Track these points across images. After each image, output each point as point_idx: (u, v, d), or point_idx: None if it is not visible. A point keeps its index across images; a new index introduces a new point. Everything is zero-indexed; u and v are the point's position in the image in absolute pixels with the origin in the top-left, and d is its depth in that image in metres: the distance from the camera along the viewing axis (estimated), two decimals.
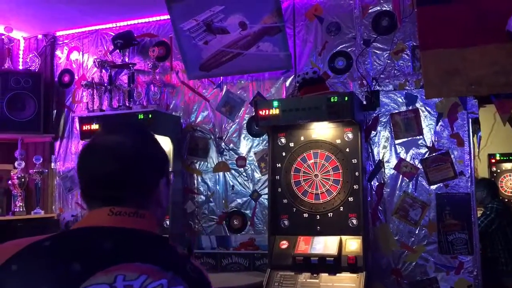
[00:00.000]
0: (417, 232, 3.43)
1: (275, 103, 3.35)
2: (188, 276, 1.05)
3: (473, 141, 3.49)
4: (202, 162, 4.10)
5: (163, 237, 1.15)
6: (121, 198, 1.12)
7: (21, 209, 4.26)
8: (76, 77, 4.65)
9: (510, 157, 6.68)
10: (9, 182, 4.30)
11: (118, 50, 4.32)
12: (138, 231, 1.10)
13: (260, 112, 3.38)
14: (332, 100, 3.20)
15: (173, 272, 1.03)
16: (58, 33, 4.74)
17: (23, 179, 4.29)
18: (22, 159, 4.39)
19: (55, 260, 1.00)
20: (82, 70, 4.64)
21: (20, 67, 4.73)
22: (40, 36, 4.75)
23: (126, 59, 4.34)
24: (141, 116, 3.66)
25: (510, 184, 6.65)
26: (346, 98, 3.20)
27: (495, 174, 6.75)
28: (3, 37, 4.50)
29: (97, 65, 4.34)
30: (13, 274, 0.98)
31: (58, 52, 4.76)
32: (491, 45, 3.05)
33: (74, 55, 4.69)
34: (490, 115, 4.82)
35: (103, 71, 4.35)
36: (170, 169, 3.74)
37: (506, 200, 6.28)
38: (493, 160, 6.75)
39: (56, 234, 1.08)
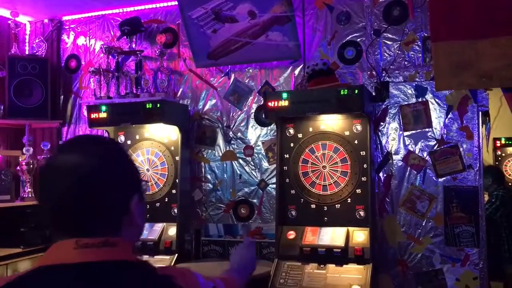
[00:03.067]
0: (424, 224, 3.45)
1: (284, 95, 3.33)
2: None
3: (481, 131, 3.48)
4: (210, 151, 4.09)
5: (140, 262, 1.06)
6: (87, 227, 0.99)
7: (29, 195, 4.29)
8: (83, 62, 4.61)
9: None
10: (18, 168, 4.31)
11: (125, 37, 4.29)
12: (109, 263, 0.98)
13: (269, 104, 3.36)
14: (342, 93, 3.18)
15: None
16: (64, 18, 4.68)
17: (31, 165, 4.30)
18: (30, 145, 4.39)
19: None
20: (89, 55, 4.60)
21: (27, 52, 4.70)
22: (46, 21, 4.70)
23: (133, 46, 4.31)
24: (149, 106, 3.64)
25: None
26: (356, 91, 3.18)
27: (499, 158, 6.70)
28: (9, 22, 4.45)
29: (104, 51, 4.32)
30: None
31: (64, 37, 4.71)
32: (502, 37, 3.00)
33: (81, 40, 4.64)
34: (496, 98, 4.74)
35: (110, 57, 4.33)
36: (178, 157, 3.79)
37: (510, 184, 6.26)
38: (498, 144, 6.68)
39: (14, 280, 0.96)
